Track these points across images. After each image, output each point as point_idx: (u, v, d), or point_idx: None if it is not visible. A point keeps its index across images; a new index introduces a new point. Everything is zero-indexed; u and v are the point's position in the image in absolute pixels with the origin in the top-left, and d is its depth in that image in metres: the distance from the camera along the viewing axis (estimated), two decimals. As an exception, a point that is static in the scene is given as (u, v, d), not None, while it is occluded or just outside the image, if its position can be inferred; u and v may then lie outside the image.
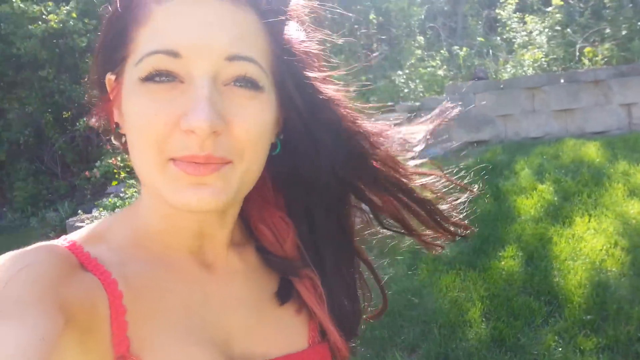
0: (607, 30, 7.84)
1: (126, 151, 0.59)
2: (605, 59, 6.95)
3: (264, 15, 0.54)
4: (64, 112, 8.55)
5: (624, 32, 7.72)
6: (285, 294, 0.65)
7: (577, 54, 7.13)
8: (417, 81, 7.57)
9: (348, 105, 0.61)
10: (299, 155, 0.61)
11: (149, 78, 0.51)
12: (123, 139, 0.59)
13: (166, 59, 0.50)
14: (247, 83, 0.52)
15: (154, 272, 0.57)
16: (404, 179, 0.67)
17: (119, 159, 6.00)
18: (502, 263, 3.62)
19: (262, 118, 0.54)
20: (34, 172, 8.46)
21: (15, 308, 0.44)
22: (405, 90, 7.51)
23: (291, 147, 0.60)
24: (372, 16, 10.85)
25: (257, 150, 0.54)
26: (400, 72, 7.98)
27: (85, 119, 7.87)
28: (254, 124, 0.53)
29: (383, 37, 10.21)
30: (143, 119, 0.51)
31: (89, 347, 0.48)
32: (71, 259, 0.52)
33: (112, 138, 0.60)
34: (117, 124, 0.58)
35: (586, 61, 7.00)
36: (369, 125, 0.63)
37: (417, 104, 6.30)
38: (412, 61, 8.50)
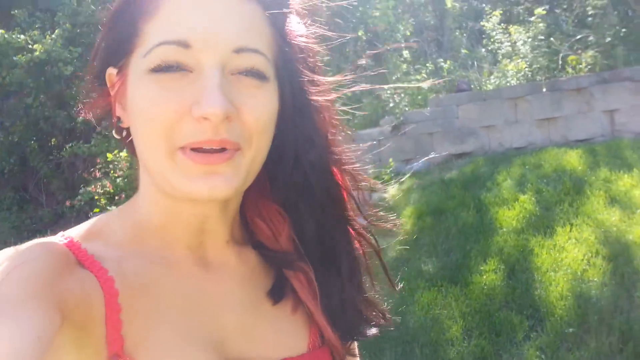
0: (591, 38, 7.85)
1: (127, 145, 0.59)
2: (589, 67, 6.94)
3: (268, 7, 0.56)
4: (50, 139, 8.52)
5: (608, 40, 7.73)
6: (278, 291, 0.64)
7: (560, 62, 7.12)
8: (402, 95, 7.55)
9: (330, 114, 0.62)
10: (283, 149, 0.61)
11: (158, 69, 0.52)
12: (124, 133, 0.59)
13: (176, 50, 0.51)
14: (254, 74, 0.53)
15: (152, 269, 0.57)
16: (346, 216, 0.67)
17: (99, 185, 5.95)
18: (484, 277, 3.55)
19: (269, 107, 0.55)
20: (18, 202, 8.38)
21: (11, 306, 0.43)
22: (391, 105, 7.49)
23: (280, 139, 0.61)
24: (360, 32, 10.91)
25: (264, 138, 0.55)
26: (385, 87, 7.96)
27: (71, 145, 7.88)
28: (261, 112, 0.54)
29: (370, 52, 10.22)
30: (153, 107, 0.52)
31: (84, 345, 0.48)
32: (68, 256, 0.52)
33: (114, 132, 0.60)
34: (118, 118, 0.58)
35: (570, 69, 6.99)
36: (339, 147, 0.64)
37: (401, 118, 6.27)
38: (398, 75, 8.50)
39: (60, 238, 0.55)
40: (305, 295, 0.64)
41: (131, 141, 0.58)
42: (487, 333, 3.10)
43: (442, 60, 8.36)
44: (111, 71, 0.58)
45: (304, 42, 0.59)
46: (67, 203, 6.81)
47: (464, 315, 3.29)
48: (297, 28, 0.59)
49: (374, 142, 6.30)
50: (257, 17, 0.55)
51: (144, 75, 0.52)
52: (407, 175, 5.56)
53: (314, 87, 0.60)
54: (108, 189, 6.08)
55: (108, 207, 5.22)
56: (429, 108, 6.24)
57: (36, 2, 9.85)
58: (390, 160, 6.02)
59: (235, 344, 0.59)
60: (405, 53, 9.57)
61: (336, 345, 0.64)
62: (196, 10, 0.52)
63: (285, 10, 0.58)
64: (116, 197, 6.06)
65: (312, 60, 0.60)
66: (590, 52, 7.24)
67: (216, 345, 0.57)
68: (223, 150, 0.52)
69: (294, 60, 0.58)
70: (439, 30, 11.26)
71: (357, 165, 0.67)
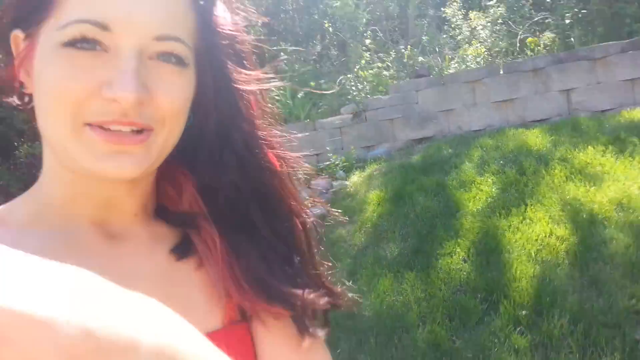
0: (549, 20, 7.88)
1: (28, 112, 0.57)
2: (547, 48, 6.95)
3: None
4: (6, 141, 8.21)
5: (567, 22, 7.77)
6: (182, 249, 0.61)
7: (519, 45, 7.12)
8: (365, 83, 7.47)
9: (256, 101, 0.61)
10: (206, 130, 0.60)
11: (72, 44, 0.49)
12: (26, 99, 0.56)
13: (93, 30, 0.49)
14: (173, 59, 0.53)
15: (52, 248, 0.54)
16: (283, 198, 0.64)
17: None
18: (440, 261, 3.49)
19: (185, 92, 0.54)
20: (-26, 206, 8.10)
21: None
22: (354, 93, 7.41)
23: (196, 121, 0.60)
24: (327, 24, 10.78)
25: (178, 121, 0.55)
26: (349, 76, 7.90)
27: (28, 145, 7.60)
28: (177, 96, 0.53)
29: (333, 42, 10.14)
30: (60, 84, 0.50)
31: None
32: None
33: (15, 98, 0.57)
34: (21, 83, 0.56)
35: (528, 52, 7.00)
36: (268, 132, 0.63)
37: (361, 105, 6.19)
38: (362, 63, 8.42)
39: None
40: (207, 254, 0.61)
41: (33, 108, 0.55)
42: (440, 319, 3.03)
43: (403, 47, 8.29)
44: (18, 34, 0.55)
45: (229, 30, 0.58)
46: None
47: (419, 301, 3.22)
48: (224, 16, 0.58)
49: (336, 130, 6.21)
50: (182, 4, 0.54)
51: (56, 49, 0.50)
52: (368, 162, 5.48)
53: (238, 75, 0.59)
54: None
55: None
56: (389, 95, 6.16)
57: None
58: (352, 148, 5.93)
59: None
60: (368, 42, 9.50)
61: (236, 298, 0.58)
62: None
63: None
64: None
65: (239, 48, 0.59)
66: (548, 34, 7.26)
67: None
68: (135, 132, 0.51)
69: (218, 48, 0.57)
70: (403, 18, 11.21)
71: (288, 150, 0.65)
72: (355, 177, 5.40)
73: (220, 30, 0.57)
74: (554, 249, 3.24)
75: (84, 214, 0.57)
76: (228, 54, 0.58)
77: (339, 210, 0.78)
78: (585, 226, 3.35)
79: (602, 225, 3.31)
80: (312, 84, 8.79)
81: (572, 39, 7.27)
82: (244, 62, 0.60)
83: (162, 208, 0.64)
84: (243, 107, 0.60)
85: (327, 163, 5.72)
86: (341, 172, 5.60)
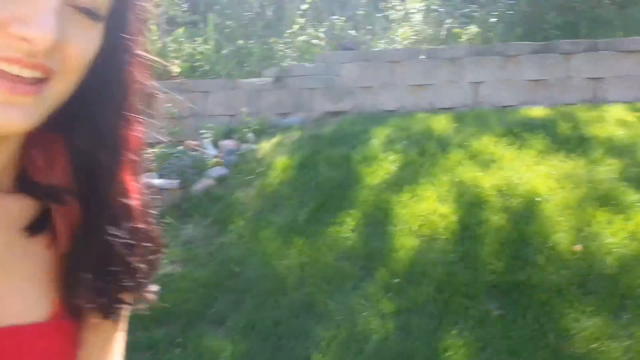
0: (476, 14, 8.18)
1: None
2: (470, 41, 7.22)
3: None
4: None
5: (494, 20, 8.09)
6: (38, 226, 0.56)
7: (445, 33, 7.34)
8: (294, 49, 7.41)
9: (143, 70, 0.58)
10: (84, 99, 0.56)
11: None
12: None
13: None
14: (91, 13, 0.50)
15: None
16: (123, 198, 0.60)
17: None
18: (329, 229, 3.59)
19: (94, 47, 0.52)
20: None
21: None
22: (279, 55, 7.34)
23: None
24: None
25: (79, 74, 0.51)
26: (278, 39, 7.80)
27: None
28: (86, 49, 0.50)
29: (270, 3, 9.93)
30: None
31: None
32: None
33: None
34: None
35: (451, 42, 7.24)
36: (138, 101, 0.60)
37: (285, 70, 6.12)
38: (295, 29, 8.34)
39: None
40: (64, 229, 0.57)
41: None
42: (319, 282, 3.13)
43: (337, 17, 8.29)
44: None
45: None
46: None
47: (303, 266, 3.30)
48: None
49: (255, 93, 6.13)
50: None
51: None
52: (279, 130, 5.48)
53: (136, 40, 0.57)
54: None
55: None
56: (314, 63, 6.15)
57: None
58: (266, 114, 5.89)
59: None
60: (305, 7, 9.39)
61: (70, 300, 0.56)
62: None
63: None
64: None
65: (142, 15, 0.57)
66: (474, 28, 7.54)
67: None
68: (32, 81, 0.46)
69: (127, 8, 0.55)
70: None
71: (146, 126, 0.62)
72: (265, 143, 5.38)
73: None
74: (434, 225, 3.44)
75: None
76: (134, 17, 0.56)
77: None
78: (466, 207, 3.57)
79: (480, 207, 3.54)
80: (241, 42, 8.61)
81: (492, 35, 7.60)
82: (144, 29, 0.58)
83: (25, 178, 0.59)
84: (137, 74, 0.58)
85: (240, 125, 5.65)
86: (251, 135, 5.55)
